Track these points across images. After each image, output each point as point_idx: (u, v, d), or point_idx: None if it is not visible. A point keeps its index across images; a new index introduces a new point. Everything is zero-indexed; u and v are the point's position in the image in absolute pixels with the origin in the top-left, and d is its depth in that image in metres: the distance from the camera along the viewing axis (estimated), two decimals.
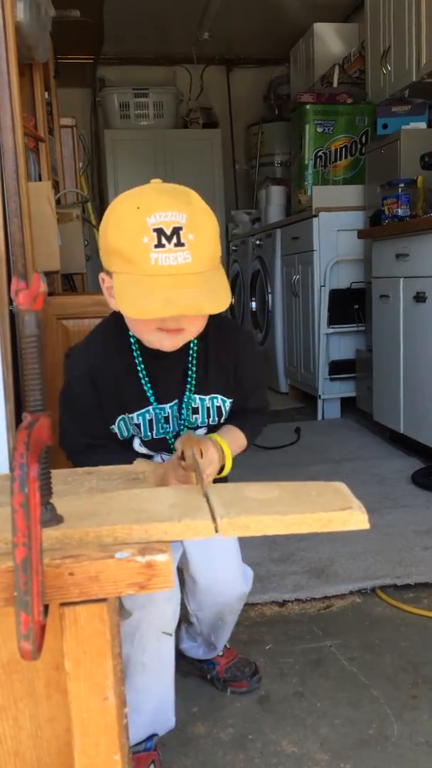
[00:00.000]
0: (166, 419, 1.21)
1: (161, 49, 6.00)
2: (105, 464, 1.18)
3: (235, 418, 1.27)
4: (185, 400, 1.21)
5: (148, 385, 1.19)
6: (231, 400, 1.26)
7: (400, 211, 3.16)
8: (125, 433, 1.22)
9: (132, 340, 1.19)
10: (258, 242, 4.96)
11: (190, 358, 1.22)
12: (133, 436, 1.23)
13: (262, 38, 5.80)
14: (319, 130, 4.31)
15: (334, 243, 3.93)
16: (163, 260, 0.98)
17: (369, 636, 1.72)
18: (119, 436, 1.22)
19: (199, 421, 1.23)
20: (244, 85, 6.55)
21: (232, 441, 1.21)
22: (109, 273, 1.07)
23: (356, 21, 5.00)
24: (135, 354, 1.19)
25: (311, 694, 1.51)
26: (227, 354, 1.24)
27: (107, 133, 5.93)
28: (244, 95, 6.55)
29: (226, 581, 1.38)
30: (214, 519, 0.69)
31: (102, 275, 1.10)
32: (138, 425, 1.20)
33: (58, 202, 2.96)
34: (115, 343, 1.20)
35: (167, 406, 1.21)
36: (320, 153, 4.35)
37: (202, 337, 1.20)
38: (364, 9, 4.27)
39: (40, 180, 2.55)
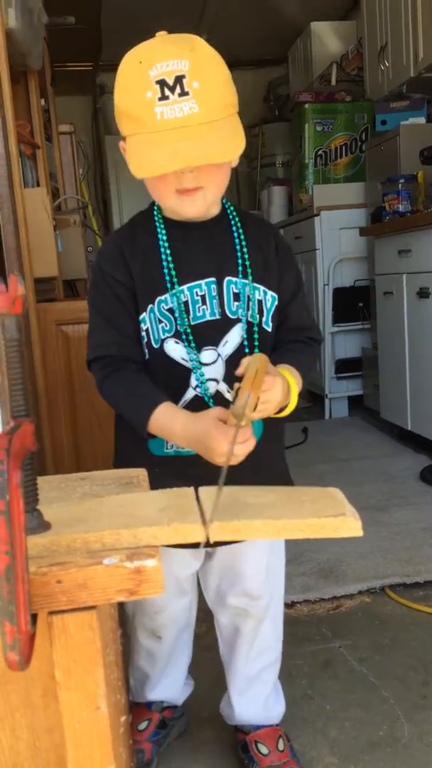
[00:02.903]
0: (203, 299, 1.09)
1: None
2: (123, 396, 1.06)
3: (287, 351, 1.14)
4: (226, 280, 1.10)
5: (175, 262, 1.09)
6: (274, 296, 1.13)
7: (401, 207, 3.14)
8: (157, 334, 1.09)
9: (158, 217, 1.11)
10: None
11: (230, 236, 1.13)
12: (163, 342, 1.09)
13: (260, 39, 5.78)
14: (319, 128, 4.29)
15: (336, 241, 3.91)
16: (169, 113, 0.93)
17: (379, 636, 1.70)
18: (153, 343, 1.09)
19: (240, 312, 1.10)
20: (244, 87, 6.42)
21: (297, 383, 1.08)
22: (126, 140, 1.01)
23: (353, 19, 4.97)
24: (160, 230, 1.10)
25: (320, 696, 1.49)
26: (266, 237, 1.15)
27: (108, 140, 5.93)
28: (244, 97, 6.36)
29: (247, 561, 1.21)
30: (204, 523, 0.68)
31: (121, 143, 1.04)
32: (171, 311, 1.08)
33: (58, 208, 2.96)
34: (144, 223, 1.12)
35: (203, 282, 1.09)
36: (320, 152, 4.33)
37: (240, 219, 1.14)
38: (361, 6, 4.25)
39: (39, 186, 2.55)
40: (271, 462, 1.17)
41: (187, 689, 1.41)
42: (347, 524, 0.65)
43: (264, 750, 1.27)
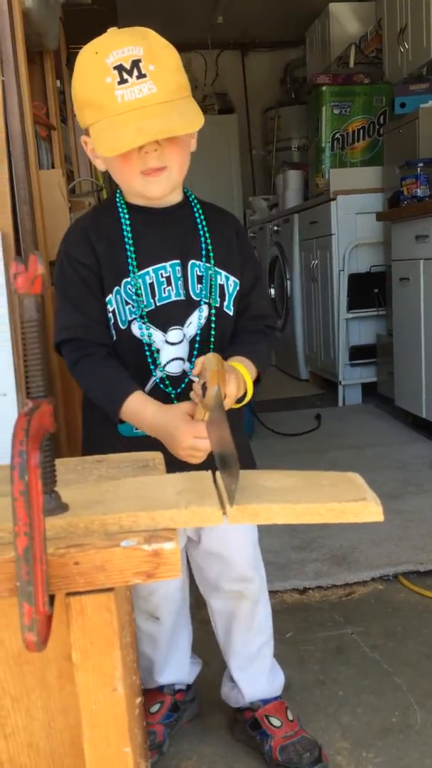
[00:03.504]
0: (168, 280, 1.13)
1: (175, 35, 5.77)
2: (95, 382, 1.10)
3: (246, 342, 1.18)
4: (190, 263, 1.14)
5: (140, 245, 1.13)
6: (236, 281, 1.17)
7: (419, 192, 3.10)
8: (123, 316, 1.12)
9: (120, 202, 1.15)
10: (276, 228, 4.91)
11: (193, 222, 1.16)
12: (130, 323, 1.12)
13: (277, 20, 5.72)
14: (336, 111, 4.24)
15: (352, 226, 3.87)
16: (129, 95, 0.99)
17: (391, 623, 1.70)
18: (120, 324, 1.12)
19: (203, 294, 1.14)
20: (260, 69, 6.48)
21: (251, 373, 1.12)
22: (88, 133, 1.06)
23: (372, 0, 4.91)
24: (123, 215, 1.14)
25: (333, 681, 1.49)
26: (227, 225, 1.20)
27: None
28: (260, 79, 6.48)
29: (236, 546, 1.25)
30: (222, 506, 0.67)
31: (83, 138, 1.09)
32: (138, 293, 1.11)
33: (72, 190, 2.95)
34: (108, 210, 1.17)
35: (167, 264, 1.13)
36: (337, 135, 4.28)
37: (202, 207, 1.18)
38: None
39: (54, 169, 2.53)
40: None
41: (195, 668, 1.42)
42: (368, 509, 0.65)
43: (276, 723, 1.29)
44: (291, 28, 5.75)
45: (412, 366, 3.17)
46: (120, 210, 1.14)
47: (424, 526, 2.19)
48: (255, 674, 1.32)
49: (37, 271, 0.61)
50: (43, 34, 2.22)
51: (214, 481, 0.75)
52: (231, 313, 1.18)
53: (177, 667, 1.37)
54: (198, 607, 1.37)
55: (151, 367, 1.13)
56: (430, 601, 1.79)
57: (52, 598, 0.62)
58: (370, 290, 3.85)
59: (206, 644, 1.42)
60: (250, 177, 6.58)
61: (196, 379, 1.07)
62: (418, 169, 3.15)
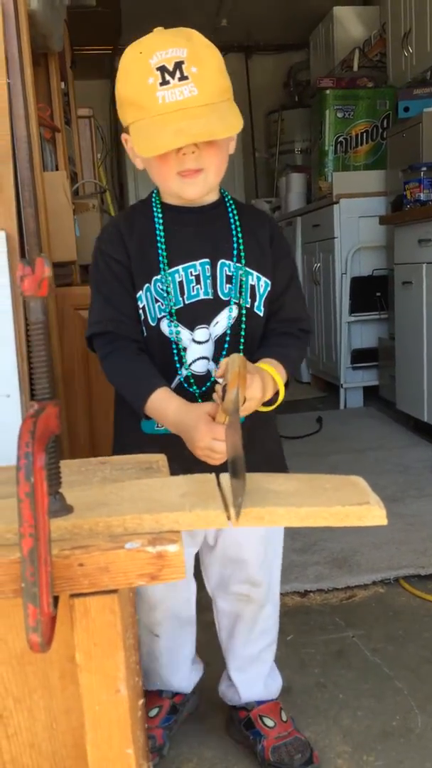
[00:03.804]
0: (197, 279, 1.13)
1: None
2: (123, 377, 1.11)
3: (274, 345, 1.16)
4: (219, 263, 1.14)
5: (171, 244, 1.14)
6: (267, 282, 1.17)
7: (422, 196, 3.11)
8: (153, 313, 1.13)
9: (156, 201, 1.16)
10: None
11: (226, 222, 1.17)
12: (159, 321, 1.13)
13: (280, 24, 5.73)
14: (340, 115, 4.25)
15: (355, 230, 3.88)
16: (170, 96, 1.00)
17: (392, 627, 1.70)
18: (150, 321, 1.13)
19: (233, 294, 1.14)
20: (264, 72, 6.49)
21: (282, 376, 1.11)
22: (128, 131, 1.07)
23: (376, 3, 4.91)
24: (156, 213, 1.15)
25: (333, 685, 1.49)
26: (261, 226, 1.20)
27: None
28: (264, 82, 6.48)
29: (250, 549, 1.24)
30: (227, 508, 0.67)
31: (124, 136, 1.10)
32: (168, 291, 1.12)
33: (76, 192, 2.96)
34: (142, 209, 1.18)
35: (197, 263, 1.13)
36: (341, 139, 4.29)
37: (237, 207, 1.19)
38: None
39: (58, 170, 2.54)
40: (259, 444, 1.20)
41: (195, 676, 1.41)
42: (372, 513, 0.65)
43: (270, 723, 1.30)
44: (295, 32, 5.76)
45: (414, 369, 3.18)
46: (154, 208, 1.16)
47: (425, 530, 2.19)
48: (253, 676, 1.33)
49: (43, 274, 0.62)
50: (48, 36, 2.22)
51: (219, 484, 0.75)
52: (261, 314, 1.17)
53: (175, 679, 1.37)
54: (201, 610, 1.37)
55: (177, 365, 1.13)
56: (430, 605, 1.79)
57: (56, 599, 0.62)
58: (373, 293, 3.85)
59: (209, 646, 1.42)
60: (253, 180, 6.58)
61: (220, 380, 1.06)
62: (422, 173, 3.15)
